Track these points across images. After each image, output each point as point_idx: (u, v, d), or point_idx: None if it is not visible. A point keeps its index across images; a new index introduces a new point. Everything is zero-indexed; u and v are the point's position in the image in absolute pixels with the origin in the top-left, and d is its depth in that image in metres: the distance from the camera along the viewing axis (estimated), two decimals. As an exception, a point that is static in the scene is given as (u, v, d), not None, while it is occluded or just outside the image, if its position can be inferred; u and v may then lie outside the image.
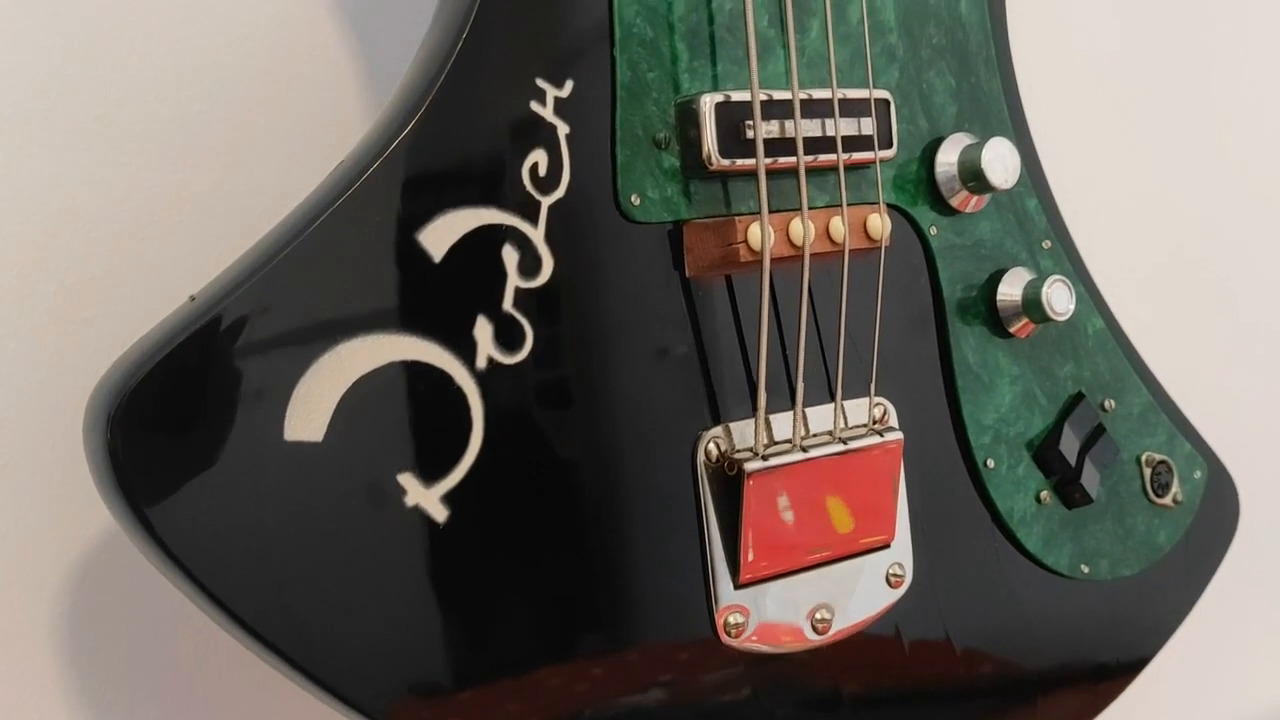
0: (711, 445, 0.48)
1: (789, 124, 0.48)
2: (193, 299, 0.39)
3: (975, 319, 0.56)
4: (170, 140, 0.55)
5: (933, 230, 0.55)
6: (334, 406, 0.40)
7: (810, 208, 0.50)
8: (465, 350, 0.43)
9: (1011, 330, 0.57)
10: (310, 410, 0.39)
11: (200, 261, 0.54)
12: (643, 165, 0.47)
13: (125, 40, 0.54)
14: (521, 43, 0.45)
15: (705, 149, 0.47)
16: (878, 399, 0.53)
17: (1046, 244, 0.59)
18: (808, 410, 0.51)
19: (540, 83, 0.45)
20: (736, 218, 0.47)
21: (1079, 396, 0.59)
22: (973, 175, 0.54)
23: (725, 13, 0.49)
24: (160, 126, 0.55)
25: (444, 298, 0.42)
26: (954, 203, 0.55)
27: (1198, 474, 0.63)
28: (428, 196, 0.42)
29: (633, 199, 0.47)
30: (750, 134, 0.47)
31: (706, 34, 0.48)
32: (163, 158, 0.54)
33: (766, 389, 0.48)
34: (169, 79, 0.55)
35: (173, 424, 0.37)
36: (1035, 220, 0.58)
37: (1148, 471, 0.61)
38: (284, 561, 0.40)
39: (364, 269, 0.41)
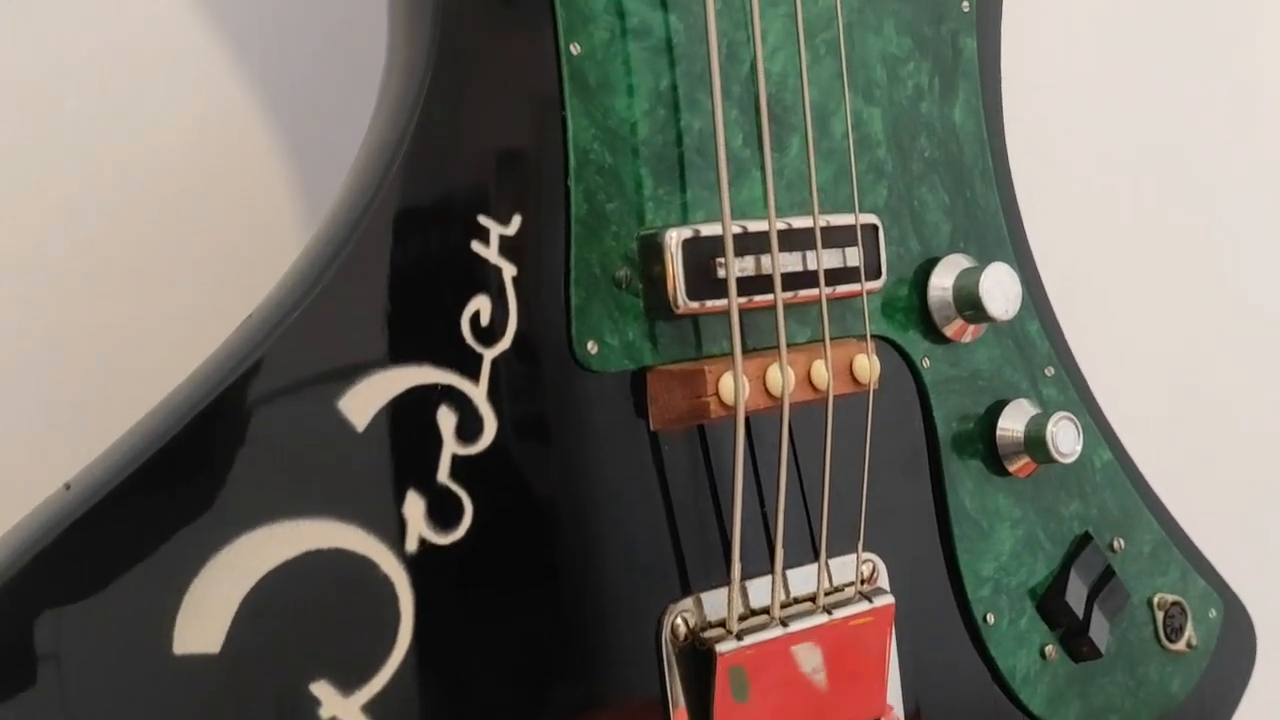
0: (679, 621, 0.43)
1: (765, 259, 0.43)
2: (68, 487, 0.33)
3: (973, 458, 0.51)
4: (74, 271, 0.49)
5: (925, 362, 0.50)
6: (234, 611, 0.34)
7: (790, 344, 0.45)
8: (392, 532, 0.37)
9: (1012, 469, 0.52)
10: (205, 617, 0.33)
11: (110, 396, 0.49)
12: (600, 307, 0.41)
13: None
14: (461, 174, 0.39)
15: (671, 291, 0.41)
16: (866, 555, 0.47)
17: (1049, 371, 0.54)
18: (789, 572, 0.45)
19: (483, 220, 0.39)
20: (706, 365, 0.41)
21: (1086, 538, 0.54)
22: (970, 304, 0.49)
23: (695, 133, 0.44)
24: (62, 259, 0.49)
25: (368, 474, 0.37)
26: (948, 332, 0.50)
27: (1213, 613, 0.58)
28: (350, 357, 0.37)
29: (589, 346, 0.41)
30: (722, 273, 0.42)
31: (674, 157, 0.43)
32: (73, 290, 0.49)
33: (742, 555, 0.43)
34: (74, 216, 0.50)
35: (26, 652, 0.31)
36: (1037, 345, 0.53)
37: (1160, 615, 0.56)
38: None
39: (270, 447, 0.35)
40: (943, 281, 0.50)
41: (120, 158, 0.50)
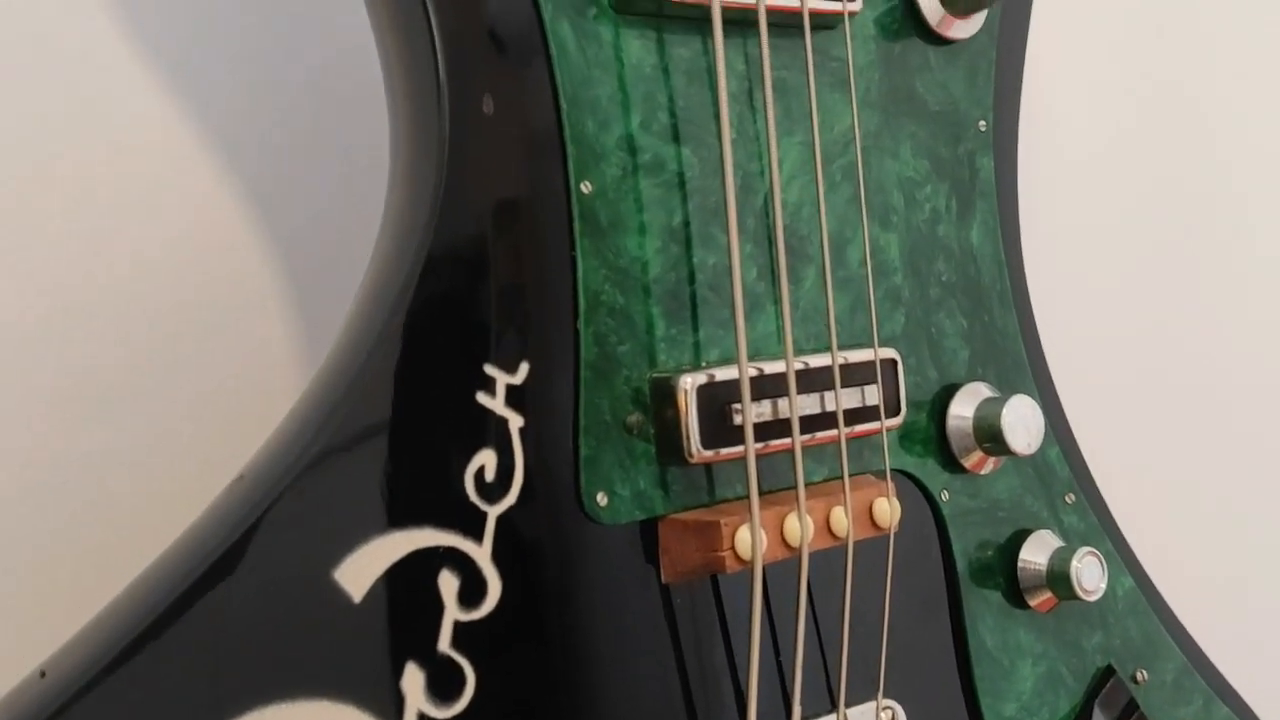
0: (691, 784, 0.40)
1: (782, 403, 0.41)
2: (43, 675, 0.31)
3: (992, 592, 0.49)
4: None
5: (944, 495, 0.48)
6: (220, 807, 0.32)
7: (806, 483, 0.43)
8: (389, 708, 0.34)
9: (1033, 604, 0.50)
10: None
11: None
12: (611, 456, 0.39)
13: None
14: (466, 322, 0.38)
15: (686, 440, 0.39)
16: (886, 702, 0.45)
17: (1070, 498, 0.52)
18: (805, 725, 0.43)
19: (489, 369, 0.37)
20: (722, 518, 0.39)
21: (1109, 671, 0.52)
22: (990, 437, 0.47)
23: (708, 269, 0.42)
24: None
25: (364, 647, 0.34)
26: (967, 463, 0.48)
27: (1236, 742, 0.56)
28: (347, 522, 0.34)
29: (598, 498, 0.39)
30: (738, 419, 0.40)
31: (687, 295, 0.42)
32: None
33: (758, 713, 0.40)
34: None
35: None
36: (1058, 472, 0.52)
37: (1184, 747, 0.54)
38: None
39: (260, 625, 0.33)
40: (962, 411, 0.48)
41: (103, 280, 0.48)
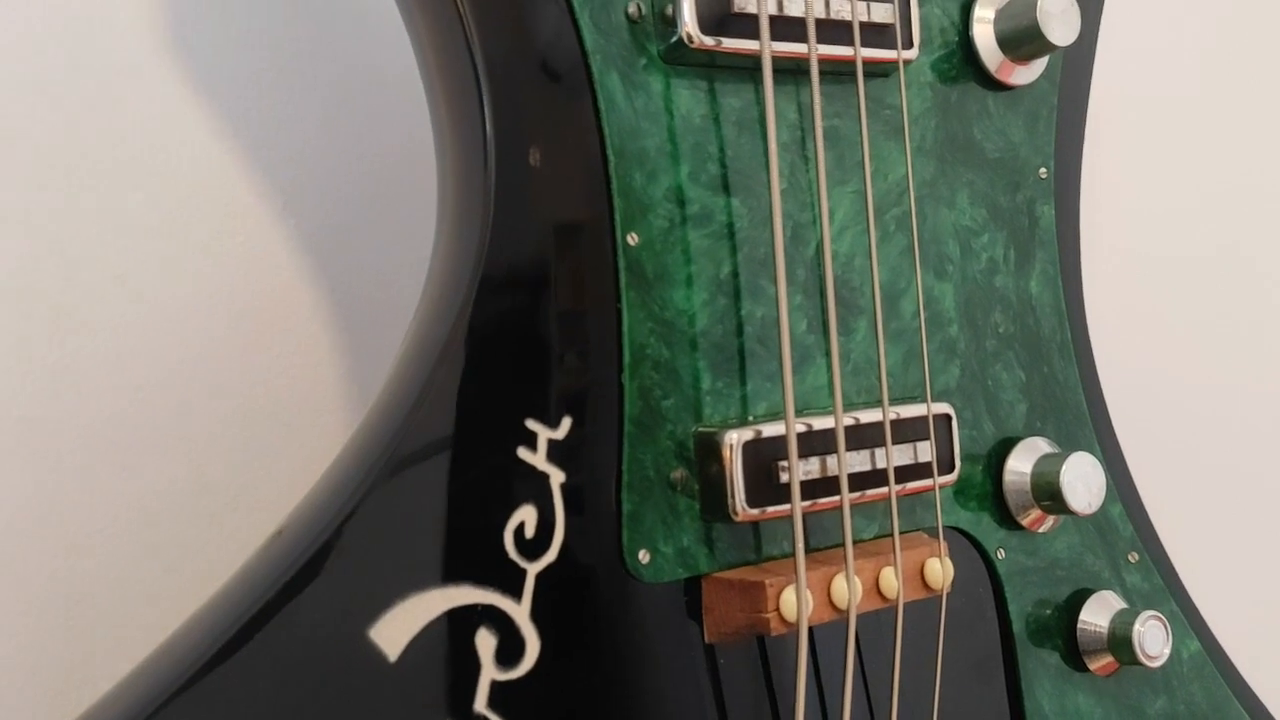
0: None
1: (831, 460, 0.40)
2: (80, 729, 0.31)
3: (1051, 654, 0.47)
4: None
5: (1000, 553, 0.47)
6: None
7: (856, 540, 0.42)
8: (425, 770, 0.34)
9: (1093, 667, 0.48)
10: None
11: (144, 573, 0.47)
12: (654, 513, 0.39)
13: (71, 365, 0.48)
14: (509, 376, 0.37)
15: (730, 498, 0.38)
16: (936, 768, 0.44)
17: (1133, 557, 0.50)
18: (851, 791, 0.42)
19: (531, 424, 0.37)
20: (767, 579, 0.38)
21: (1173, 739, 0.50)
22: (1049, 495, 0.46)
23: (757, 322, 0.41)
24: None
25: (399, 707, 0.34)
26: (1024, 521, 0.47)
27: (1309, 813, 0.53)
28: (384, 580, 0.34)
29: (641, 556, 0.38)
30: (784, 477, 0.39)
31: (734, 348, 0.41)
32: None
33: (801, 779, 0.39)
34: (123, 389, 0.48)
35: None
36: (1120, 529, 0.50)
37: (1252, 819, 0.52)
38: None
39: (295, 686, 0.33)
40: (1020, 467, 0.47)
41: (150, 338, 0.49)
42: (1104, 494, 0.46)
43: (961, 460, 0.45)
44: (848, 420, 0.41)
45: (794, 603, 0.38)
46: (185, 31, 0.50)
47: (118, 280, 0.48)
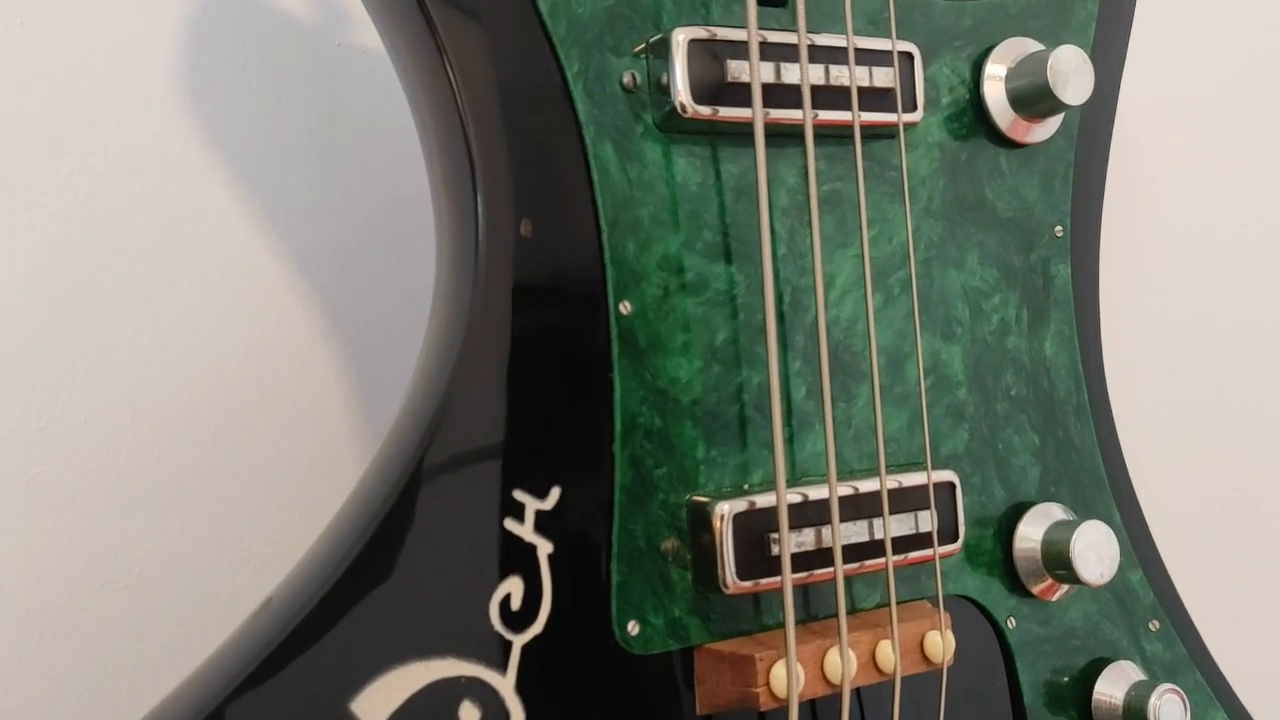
0: None
1: (826, 531, 0.39)
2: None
3: (1065, 727, 0.46)
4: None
5: (1010, 622, 0.46)
6: None
7: (856, 609, 0.42)
8: (403, 846, 0.34)
9: (1111, 740, 0.47)
10: None
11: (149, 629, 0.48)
12: (644, 583, 0.38)
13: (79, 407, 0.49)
14: (496, 444, 0.37)
15: (721, 570, 0.38)
16: (940, 844, 0.43)
17: (1154, 625, 0.48)
18: None
19: (519, 495, 0.37)
20: (758, 652, 0.38)
21: (1196, 814, 0.48)
22: (1060, 564, 0.45)
23: (753, 389, 0.41)
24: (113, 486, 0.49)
25: (380, 781, 0.34)
26: (1036, 590, 0.46)
27: None
28: (366, 650, 0.34)
29: (630, 627, 0.38)
30: (776, 549, 0.38)
31: (729, 415, 0.40)
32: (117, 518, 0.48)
33: None
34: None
35: None
36: (1140, 596, 0.48)
37: None
38: None
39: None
40: (1031, 533, 0.46)
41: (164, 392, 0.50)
42: (1117, 564, 0.45)
43: (969, 526, 0.44)
44: (846, 489, 0.40)
45: (784, 677, 0.38)
46: (203, 89, 0.52)
47: (130, 337, 0.49)
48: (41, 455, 0.48)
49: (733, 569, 0.38)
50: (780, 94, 0.40)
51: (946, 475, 0.43)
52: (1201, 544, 0.72)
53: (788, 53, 0.40)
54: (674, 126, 0.40)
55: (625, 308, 0.39)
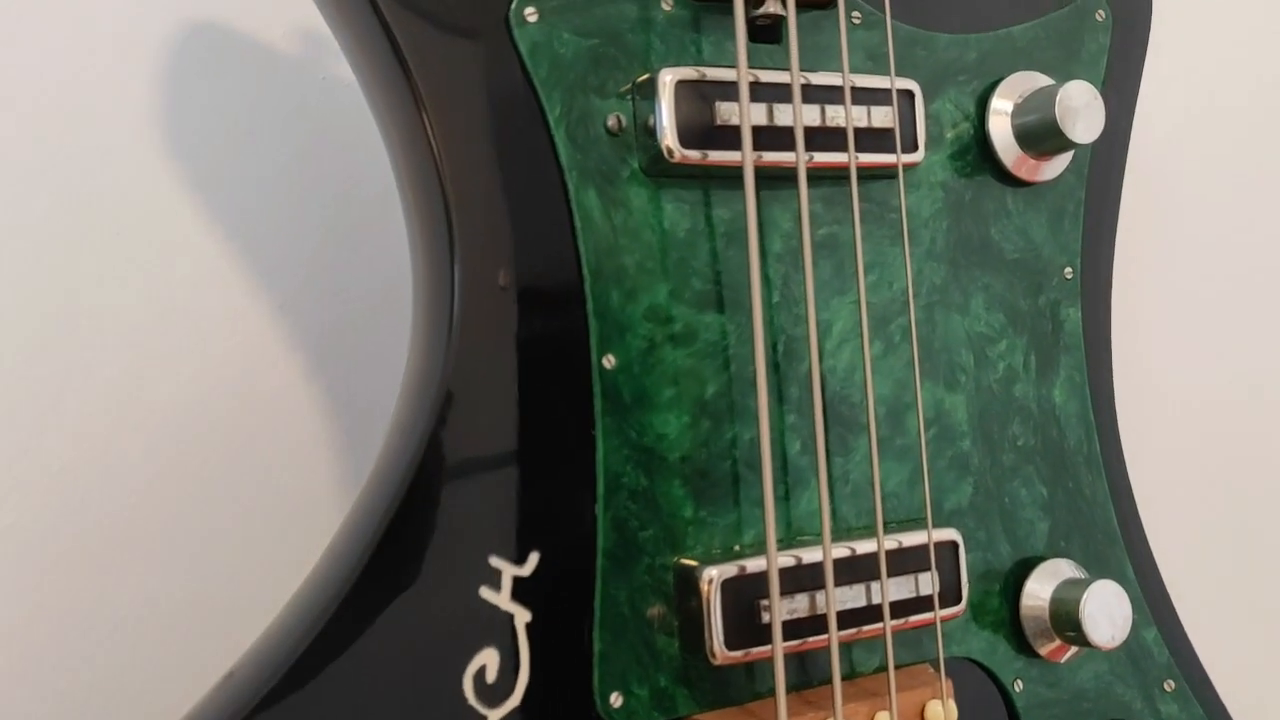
0: None
1: (820, 597, 0.37)
2: None
3: (1075, 793, 0.44)
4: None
5: (1018, 685, 0.43)
6: None
7: (855, 673, 0.40)
8: None
9: (1123, 808, 0.45)
10: None
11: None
12: (628, 652, 0.37)
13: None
14: (470, 510, 0.35)
15: (709, 639, 0.36)
16: None
17: (1169, 685, 0.46)
18: None
19: (495, 561, 0.35)
20: (748, 724, 0.36)
21: None
22: (1069, 625, 0.42)
23: (745, 444, 0.39)
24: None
25: None
26: (1044, 651, 0.43)
27: None
28: (331, 731, 0.33)
29: (613, 699, 0.36)
30: (767, 616, 0.36)
31: (720, 474, 0.39)
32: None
33: None
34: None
35: None
36: (1155, 656, 0.46)
37: None
38: None
39: None
40: (1039, 591, 0.43)
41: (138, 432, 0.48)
42: (1129, 625, 0.42)
43: (974, 585, 0.42)
44: (842, 550, 0.38)
45: (775, 753, 0.36)
46: (186, 133, 0.50)
47: (112, 381, 0.47)
48: (14, 508, 0.46)
49: (721, 639, 0.36)
50: (773, 136, 0.38)
51: (949, 534, 0.41)
52: (1210, 565, 0.69)
53: (781, 93, 0.38)
54: (661, 171, 0.38)
55: (609, 361, 0.37)
